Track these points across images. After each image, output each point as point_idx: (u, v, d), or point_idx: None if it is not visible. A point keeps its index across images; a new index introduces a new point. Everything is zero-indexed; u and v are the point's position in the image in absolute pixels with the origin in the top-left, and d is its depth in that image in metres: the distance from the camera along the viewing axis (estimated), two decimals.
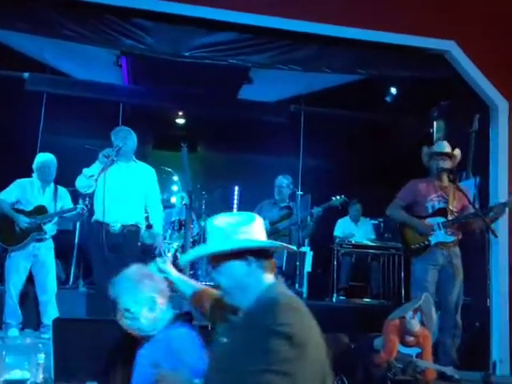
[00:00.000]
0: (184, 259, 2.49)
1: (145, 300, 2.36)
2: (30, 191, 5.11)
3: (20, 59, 6.60)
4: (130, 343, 2.56)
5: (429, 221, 4.56)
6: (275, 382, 1.65)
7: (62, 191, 5.27)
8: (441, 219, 4.54)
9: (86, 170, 4.76)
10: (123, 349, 2.76)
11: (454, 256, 4.54)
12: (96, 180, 4.71)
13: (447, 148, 4.69)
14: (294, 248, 2.37)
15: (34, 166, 5.17)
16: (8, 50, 6.29)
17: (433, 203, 4.61)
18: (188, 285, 2.49)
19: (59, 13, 4.69)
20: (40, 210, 5.03)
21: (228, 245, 1.91)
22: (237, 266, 1.92)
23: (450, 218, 4.54)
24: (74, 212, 5.11)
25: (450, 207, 4.58)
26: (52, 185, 5.22)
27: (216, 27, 4.94)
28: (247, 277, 1.91)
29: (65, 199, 5.24)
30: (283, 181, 5.94)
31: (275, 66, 5.24)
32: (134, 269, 2.45)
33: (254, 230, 1.97)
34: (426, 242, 4.53)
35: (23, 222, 4.92)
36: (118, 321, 2.52)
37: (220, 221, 1.99)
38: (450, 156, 4.64)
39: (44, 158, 5.19)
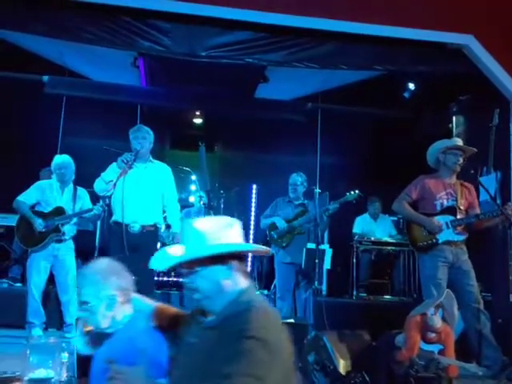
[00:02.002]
0: (164, 265, 2.09)
1: (106, 297, 2.23)
2: (49, 192, 5.18)
3: (39, 63, 6.70)
4: None
5: (437, 219, 4.50)
6: None
7: (82, 192, 5.33)
8: (449, 217, 4.49)
9: (104, 175, 4.79)
10: None
11: (462, 253, 4.49)
12: (114, 185, 4.75)
13: (461, 143, 4.66)
14: (269, 249, 2.23)
15: (52, 167, 5.27)
16: (27, 54, 6.40)
17: (442, 201, 4.55)
18: (145, 304, 2.38)
19: (77, 16, 4.75)
20: (58, 212, 5.10)
21: (213, 249, 1.88)
22: (218, 270, 1.90)
23: (459, 216, 4.49)
24: (91, 213, 5.14)
25: (459, 205, 4.53)
26: (71, 185, 5.28)
27: (232, 26, 4.96)
28: (226, 280, 1.90)
29: (84, 199, 5.30)
30: (297, 178, 5.92)
31: (291, 63, 5.23)
32: (104, 263, 2.33)
33: (234, 234, 1.96)
34: (434, 240, 4.47)
35: (39, 225, 5.01)
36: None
37: (201, 224, 1.95)
38: (464, 151, 4.60)
39: (59, 160, 5.26)
